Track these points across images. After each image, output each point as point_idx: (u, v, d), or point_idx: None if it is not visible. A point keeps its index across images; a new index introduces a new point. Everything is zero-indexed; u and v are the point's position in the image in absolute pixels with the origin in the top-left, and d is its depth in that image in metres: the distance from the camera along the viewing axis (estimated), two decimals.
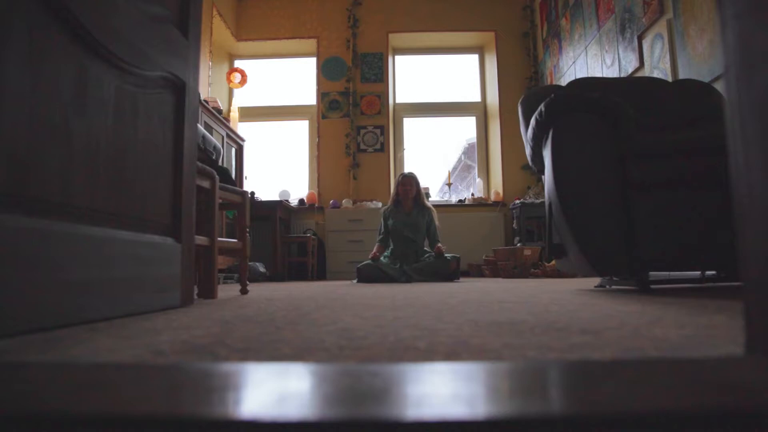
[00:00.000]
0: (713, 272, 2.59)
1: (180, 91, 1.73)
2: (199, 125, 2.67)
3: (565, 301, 1.68)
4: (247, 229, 2.76)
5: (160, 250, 1.58)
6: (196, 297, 2.31)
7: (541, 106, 2.19)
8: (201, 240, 2.16)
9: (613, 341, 0.80)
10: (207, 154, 2.79)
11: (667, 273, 3.14)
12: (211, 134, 5.18)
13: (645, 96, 2.82)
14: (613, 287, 2.62)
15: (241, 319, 1.25)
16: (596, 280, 3.34)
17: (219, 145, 3.01)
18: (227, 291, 3.05)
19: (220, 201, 2.76)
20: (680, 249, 2.06)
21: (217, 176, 2.32)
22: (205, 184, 2.24)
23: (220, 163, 5.36)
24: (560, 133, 2.12)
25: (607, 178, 2.05)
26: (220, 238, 2.45)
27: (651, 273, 2.32)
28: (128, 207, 1.43)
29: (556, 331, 0.94)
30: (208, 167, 2.22)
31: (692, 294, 1.90)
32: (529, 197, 6.26)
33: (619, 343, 0.79)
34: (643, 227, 2.03)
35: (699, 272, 2.69)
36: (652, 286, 2.25)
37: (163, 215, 1.63)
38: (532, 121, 2.30)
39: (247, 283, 2.72)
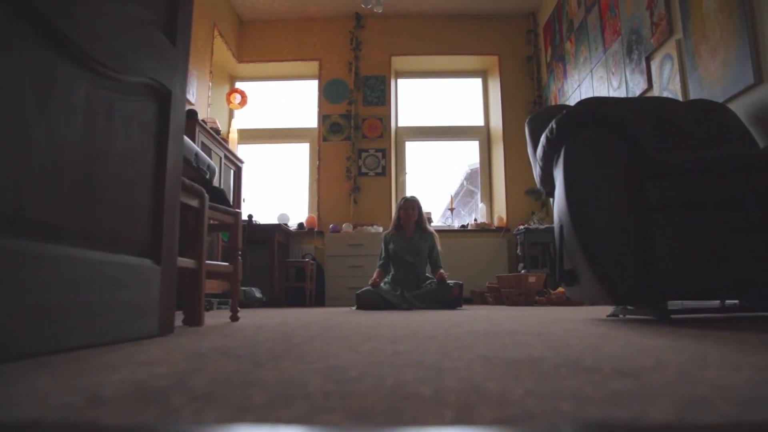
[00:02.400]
0: (735, 301, 2.43)
1: (165, 100, 1.60)
2: (192, 142, 2.55)
3: (583, 333, 1.52)
4: (239, 252, 2.61)
5: (135, 272, 1.43)
6: (182, 324, 2.16)
7: (552, 123, 2.06)
8: (186, 263, 2.02)
9: (663, 387, 0.65)
10: (200, 173, 2.65)
11: (680, 302, 2.98)
12: (210, 155, 5.06)
13: (657, 116, 2.69)
14: (628, 317, 2.46)
15: (218, 353, 1.09)
16: (606, 309, 3.18)
17: (213, 164, 2.87)
18: (219, 317, 2.89)
19: (214, 222, 2.62)
20: (703, 276, 1.90)
21: (206, 195, 2.18)
22: (194, 203, 2.10)
23: (216, 185, 5.24)
24: (573, 150, 1.98)
25: (625, 199, 1.90)
26: (209, 261, 2.31)
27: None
28: (99, 224, 1.29)
29: (587, 372, 0.78)
30: (196, 185, 2.08)
31: (719, 325, 1.74)
32: (534, 223, 6.12)
33: (671, 390, 0.63)
34: (663, 252, 1.88)
35: (715, 301, 2.54)
36: (672, 316, 2.09)
37: (140, 234, 1.48)
38: (543, 139, 2.16)
39: (238, 309, 2.56)
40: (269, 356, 1.02)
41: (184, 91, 1.71)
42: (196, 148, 2.63)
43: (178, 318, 2.22)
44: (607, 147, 1.93)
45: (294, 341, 1.33)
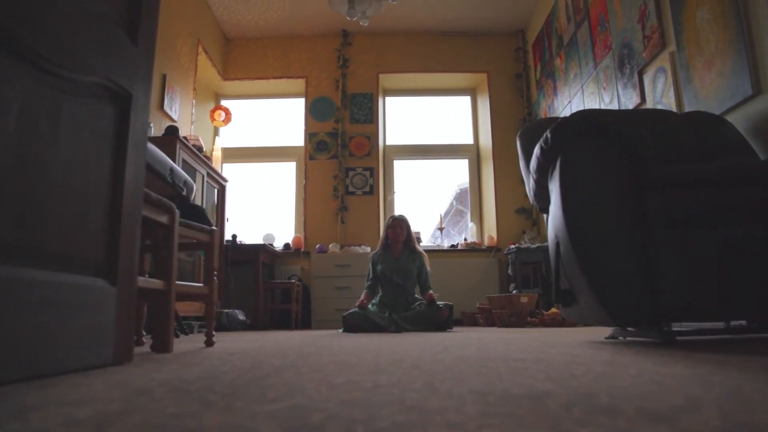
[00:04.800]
0: (740, 322, 2.30)
1: (124, 104, 1.45)
2: (166, 156, 2.40)
3: (586, 359, 1.37)
4: (215, 273, 2.45)
5: (85, 294, 1.27)
6: (149, 350, 1.99)
7: (547, 133, 1.93)
8: (154, 283, 1.86)
9: None
10: (176, 189, 2.50)
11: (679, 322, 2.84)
12: (194, 174, 4.90)
13: (655, 128, 2.58)
14: (628, 339, 2.32)
15: (168, 387, 0.94)
16: (602, 330, 3.03)
17: (191, 180, 2.71)
18: (195, 342, 2.71)
19: (189, 240, 2.46)
20: (710, 295, 1.76)
21: (176, 210, 2.03)
22: (162, 219, 1.94)
23: (199, 203, 5.07)
24: (570, 161, 1.85)
25: (626, 213, 1.77)
26: (181, 282, 2.14)
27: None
28: (40, 239, 1.13)
29: (605, 413, 0.64)
30: (165, 199, 1.93)
31: (732, 348, 1.59)
32: (525, 242, 5.99)
33: None
34: (667, 270, 1.74)
35: (718, 321, 2.40)
36: (678, 338, 1.95)
37: (93, 251, 1.32)
38: (537, 150, 2.03)
39: (214, 334, 2.39)
40: (226, 392, 0.86)
41: (147, 96, 1.56)
42: (171, 162, 2.48)
43: (148, 343, 2.06)
44: (606, 157, 1.81)
45: (262, 372, 1.17)
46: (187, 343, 2.60)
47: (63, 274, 1.20)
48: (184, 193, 2.61)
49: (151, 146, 2.23)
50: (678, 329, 2.31)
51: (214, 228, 2.48)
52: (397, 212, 6.41)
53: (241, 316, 5.25)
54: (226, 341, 2.78)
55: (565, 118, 1.93)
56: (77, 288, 1.24)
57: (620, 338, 2.36)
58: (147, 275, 2.45)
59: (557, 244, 2.07)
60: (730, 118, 2.86)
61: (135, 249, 1.49)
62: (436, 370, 1.13)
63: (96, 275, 1.32)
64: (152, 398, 0.81)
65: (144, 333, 2.54)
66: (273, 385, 0.94)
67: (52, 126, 1.17)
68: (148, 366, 1.37)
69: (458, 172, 7.40)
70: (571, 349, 1.74)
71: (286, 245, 6.48)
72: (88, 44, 1.30)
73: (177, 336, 3.28)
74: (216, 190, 5.60)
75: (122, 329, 1.41)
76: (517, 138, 2.71)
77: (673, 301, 1.75)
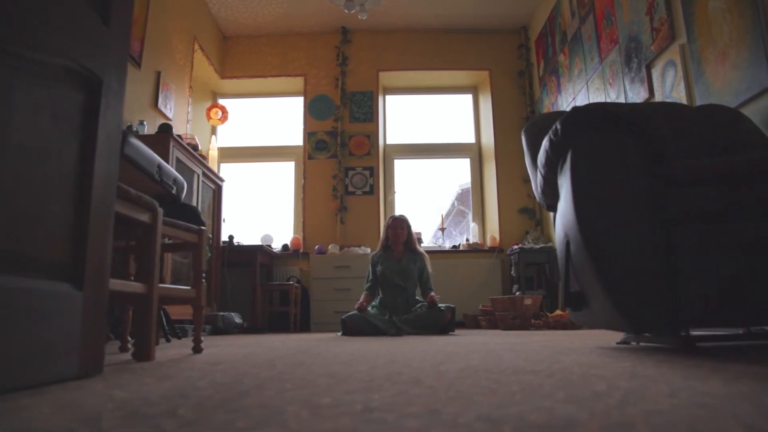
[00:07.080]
0: (763, 327, 2.16)
1: (94, 90, 1.32)
2: (152, 152, 2.26)
3: (605, 371, 1.23)
4: (204, 274, 2.31)
5: (45, 300, 1.13)
6: (131, 357, 1.86)
7: (557, 124, 1.79)
8: (132, 287, 1.72)
9: None
10: (165, 187, 2.37)
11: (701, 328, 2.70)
12: (189, 175, 4.76)
13: (669, 121, 2.44)
14: (642, 344, 2.18)
15: (122, 412, 0.80)
16: (609, 333, 2.89)
17: (181, 178, 2.58)
18: (183, 347, 2.57)
19: (181, 241, 2.33)
20: (739, 298, 1.62)
21: (159, 208, 1.89)
22: (143, 217, 1.80)
23: (195, 204, 4.93)
24: (582, 154, 1.71)
25: (644, 210, 1.63)
26: (164, 285, 2.01)
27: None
28: None
29: None
30: (146, 196, 1.79)
31: (759, 358, 1.45)
32: (528, 242, 5.85)
33: None
34: (689, 271, 1.60)
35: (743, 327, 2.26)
36: (698, 344, 1.80)
37: (55, 251, 1.19)
38: (545, 143, 1.89)
39: (201, 339, 2.25)
40: (188, 418, 0.73)
41: (121, 82, 1.43)
42: (159, 159, 2.34)
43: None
44: (622, 150, 1.66)
45: (241, 388, 1.03)
46: (175, 349, 2.47)
47: (16, 277, 1.06)
48: (174, 191, 2.47)
49: (136, 141, 2.09)
50: (695, 334, 2.17)
51: (202, 227, 2.34)
52: (397, 212, 6.28)
53: (238, 319, 5.12)
54: (218, 346, 2.64)
55: (576, 108, 1.79)
56: (34, 293, 1.10)
57: (633, 343, 2.21)
58: (132, 278, 2.32)
59: (567, 244, 1.93)
60: (746, 111, 2.72)
61: (106, 249, 1.35)
62: (438, 387, 1.00)
63: (58, 279, 1.19)
64: (97, 429, 0.67)
65: (130, 339, 2.41)
66: (247, 407, 0.81)
67: (2, 109, 1.03)
68: (116, 380, 1.23)
69: (460, 171, 7.27)
70: (585, 358, 1.60)
71: (285, 246, 6.35)
72: (51, 21, 1.16)
73: (168, 341, 3.14)
74: (212, 190, 5.46)
75: (90, 339, 1.27)
76: (522, 132, 2.57)
77: (696, 306, 1.61)
